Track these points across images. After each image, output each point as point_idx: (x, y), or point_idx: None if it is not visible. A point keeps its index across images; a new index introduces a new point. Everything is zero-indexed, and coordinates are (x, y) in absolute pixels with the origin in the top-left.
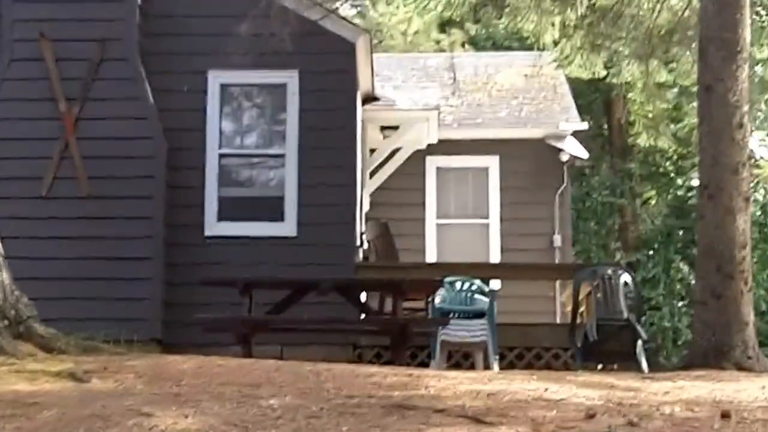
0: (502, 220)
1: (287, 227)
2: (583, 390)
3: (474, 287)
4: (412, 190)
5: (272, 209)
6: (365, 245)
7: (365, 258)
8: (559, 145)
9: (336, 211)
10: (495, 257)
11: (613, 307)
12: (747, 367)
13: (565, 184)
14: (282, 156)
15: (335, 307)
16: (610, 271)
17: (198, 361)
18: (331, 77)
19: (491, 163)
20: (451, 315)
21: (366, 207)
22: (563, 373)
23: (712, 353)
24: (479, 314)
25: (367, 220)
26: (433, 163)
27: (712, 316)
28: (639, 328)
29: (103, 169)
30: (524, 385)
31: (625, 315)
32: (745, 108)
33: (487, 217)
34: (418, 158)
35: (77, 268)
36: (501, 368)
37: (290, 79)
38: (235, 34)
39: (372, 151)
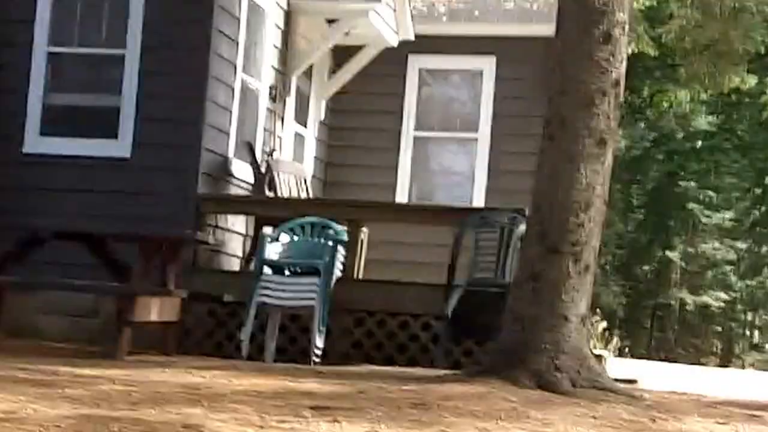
0: (493, 135)
1: (121, 147)
2: None
3: (327, 234)
4: (386, 95)
5: (105, 124)
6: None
7: (260, 189)
8: None
9: (177, 128)
10: (482, 179)
11: (495, 267)
12: (550, 384)
13: None
14: (123, 58)
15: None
16: (506, 220)
17: None
18: None
19: (486, 65)
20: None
21: (322, 116)
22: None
23: (515, 356)
24: (318, 270)
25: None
26: (415, 63)
27: (523, 304)
28: None
29: None
30: None
31: (507, 280)
32: (620, 15)
33: (476, 131)
34: (396, 57)
35: None
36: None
37: None
38: None
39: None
